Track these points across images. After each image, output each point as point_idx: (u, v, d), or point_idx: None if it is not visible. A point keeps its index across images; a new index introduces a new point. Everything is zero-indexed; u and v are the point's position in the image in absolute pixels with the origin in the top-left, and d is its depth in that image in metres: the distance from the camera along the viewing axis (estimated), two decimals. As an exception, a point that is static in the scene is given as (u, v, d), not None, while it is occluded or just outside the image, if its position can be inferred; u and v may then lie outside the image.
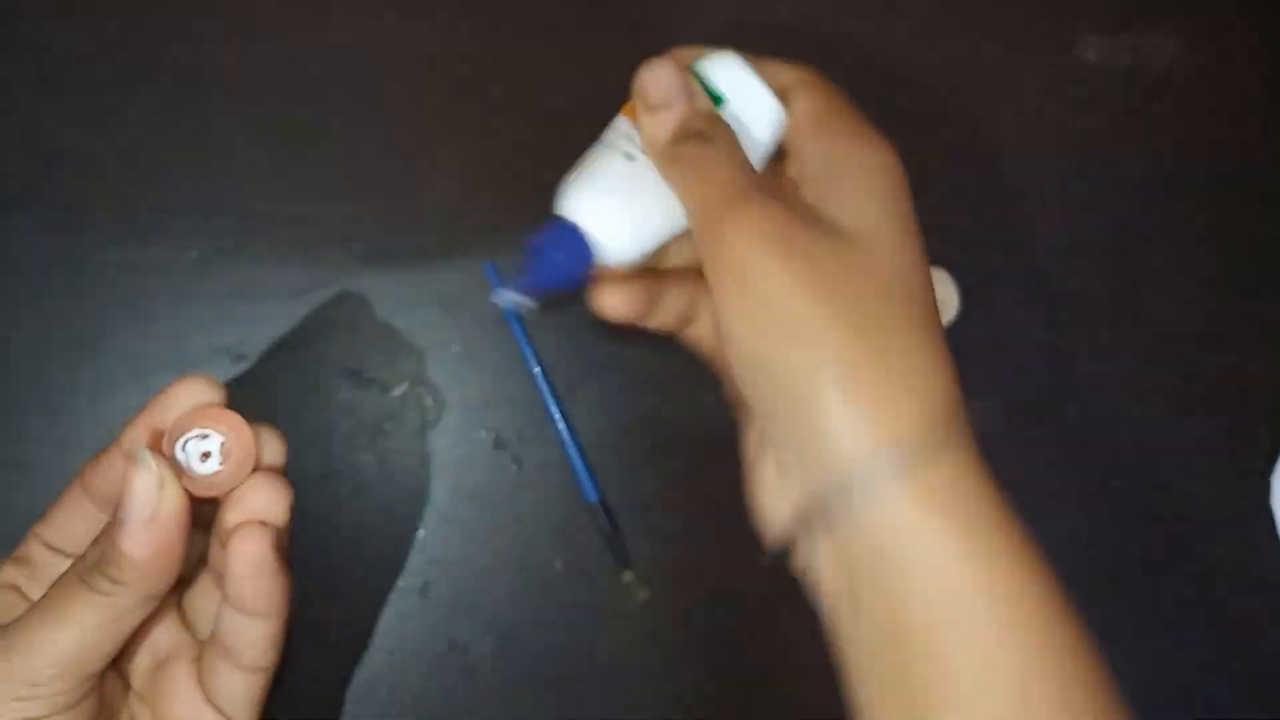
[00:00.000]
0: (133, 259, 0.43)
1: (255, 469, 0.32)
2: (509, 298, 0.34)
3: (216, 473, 0.31)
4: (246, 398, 0.42)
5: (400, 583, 0.43)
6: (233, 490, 0.32)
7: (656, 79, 0.33)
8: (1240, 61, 0.51)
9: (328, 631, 0.42)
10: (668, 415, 0.46)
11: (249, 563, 0.31)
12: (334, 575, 0.43)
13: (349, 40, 0.45)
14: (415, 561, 0.43)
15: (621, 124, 0.36)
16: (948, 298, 0.46)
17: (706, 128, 0.32)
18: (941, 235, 0.48)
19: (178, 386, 0.33)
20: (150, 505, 0.30)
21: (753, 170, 0.32)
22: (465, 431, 0.44)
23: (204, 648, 0.34)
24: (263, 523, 0.32)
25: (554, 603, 0.44)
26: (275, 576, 0.32)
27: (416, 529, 0.43)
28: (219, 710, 0.34)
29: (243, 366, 0.43)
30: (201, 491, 0.31)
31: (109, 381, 0.42)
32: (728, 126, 0.33)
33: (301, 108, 0.45)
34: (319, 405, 0.43)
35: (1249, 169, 0.51)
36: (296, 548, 0.42)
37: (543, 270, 0.34)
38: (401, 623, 0.43)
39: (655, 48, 0.47)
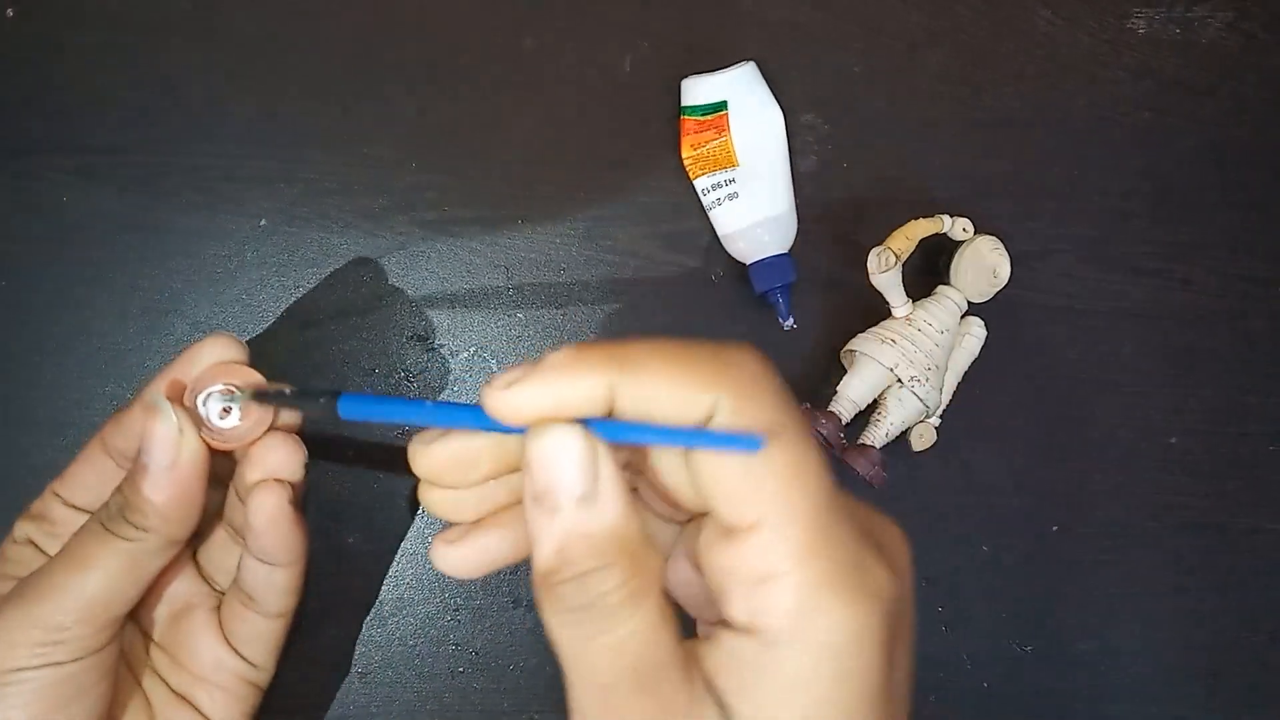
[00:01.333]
0: (206, 227, 0.44)
1: (272, 427, 0.34)
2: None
3: (235, 427, 0.33)
4: (315, 362, 0.44)
5: (466, 542, 0.44)
6: (250, 444, 0.33)
7: (547, 455, 0.23)
8: (1288, 32, 0.52)
9: (397, 590, 0.44)
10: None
11: (269, 517, 0.33)
12: (403, 536, 0.44)
13: (416, 13, 0.46)
14: (481, 521, 0.44)
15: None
16: (999, 265, 0.46)
17: (596, 575, 0.23)
18: (993, 203, 0.49)
19: (203, 344, 0.34)
20: (171, 452, 0.31)
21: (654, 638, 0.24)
22: (529, 395, 0.45)
23: (226, 596, 0.36)
24: (280, 480, 0.33)
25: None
26: (293, 528, 0.33)
27: (483, 490, 0.44)
28: (240, 655, 0.35)
29: (311, 332, 0.44)
30: (219, 444, 0.32)
31: (183, 345, 0.42)
32: (622, 579, 0.23)
33: (370, 80, 0.45)
34: (387, 370, 0.44)
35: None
36: (366, 506, 0.43)
37: None
38: (468, 581, 0.44)
39: (720, 12, 0.47)
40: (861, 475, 0.43)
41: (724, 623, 0.24)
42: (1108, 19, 0.50)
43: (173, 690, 0.35)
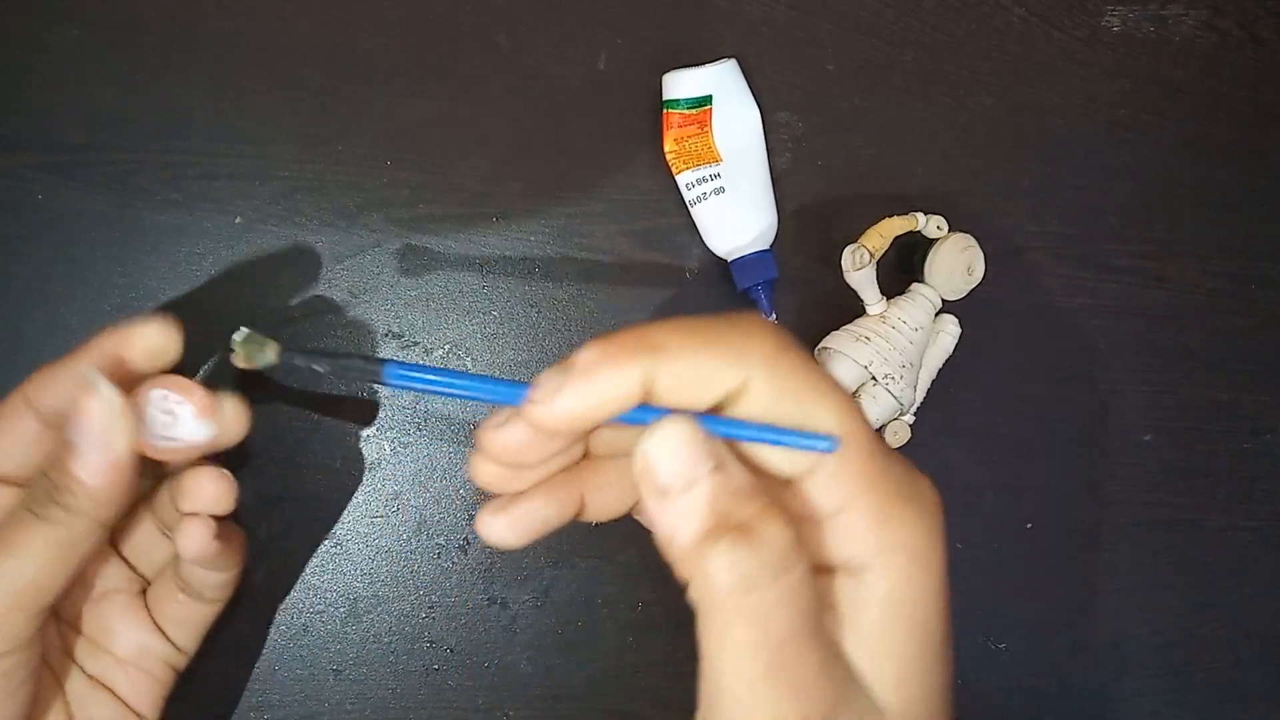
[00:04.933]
0: (180, 225, 0.44)
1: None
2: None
3: (173, 444, 0.32)
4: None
5: (441, 539, 0.44)
6: (183, 457, 0.33)
7: (667, 448, 0.24)
8: (1262, 29, 0.52)
9: (372, 587, 0.44)
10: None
11: (197, 551, 0.33)
12: (377, 532, 0.44)
13: (392, 11, 0.46)
14: (455, 519, 0.44)
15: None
16: (973, 262, 0.47)
17: (756, 522, 0.23)
18: (967, 200, 0.49)
19: (140, 325, 0.33)
20: (104, 432, 0.30)
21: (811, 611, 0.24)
22: (504, 392, 0.45)
23: (157, 581, 0.36)
24: (207, 515, 0.33)
25: (590, 558, 0.45)
26: (220, 555, 0.34)
27: (457, 487, 0.45)
28: (167, 638, 0.35)
29: (286, 330, 0.44)
30: (151, 453, 0.32)
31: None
32: (785, 522, 0.24)
33: (345, 78, 0.45)
34: (362, 367, 0.44)
35: (1272, 135, 0.51)
36: (343, 503, 0.44)
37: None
38: (442, 578, 0.44)
39: (695, 10, 0.47)
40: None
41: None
42: (1082, 16, 0.51)
43: (89, 676, 0.35)
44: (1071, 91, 0.50)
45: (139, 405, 0.31)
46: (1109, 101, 0.51)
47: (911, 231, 0.46)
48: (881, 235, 0.45)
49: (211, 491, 0.33)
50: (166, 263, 0.44)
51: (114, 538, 0.37)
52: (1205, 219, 0.51)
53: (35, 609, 0.30)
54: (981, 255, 0.47)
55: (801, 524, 0.25)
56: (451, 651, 0.44)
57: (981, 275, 0.47)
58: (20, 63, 0.43)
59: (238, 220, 0.44)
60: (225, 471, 0.34)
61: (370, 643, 0.43)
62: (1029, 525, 0.49)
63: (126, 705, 0.35)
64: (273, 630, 0.43)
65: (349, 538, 0.44)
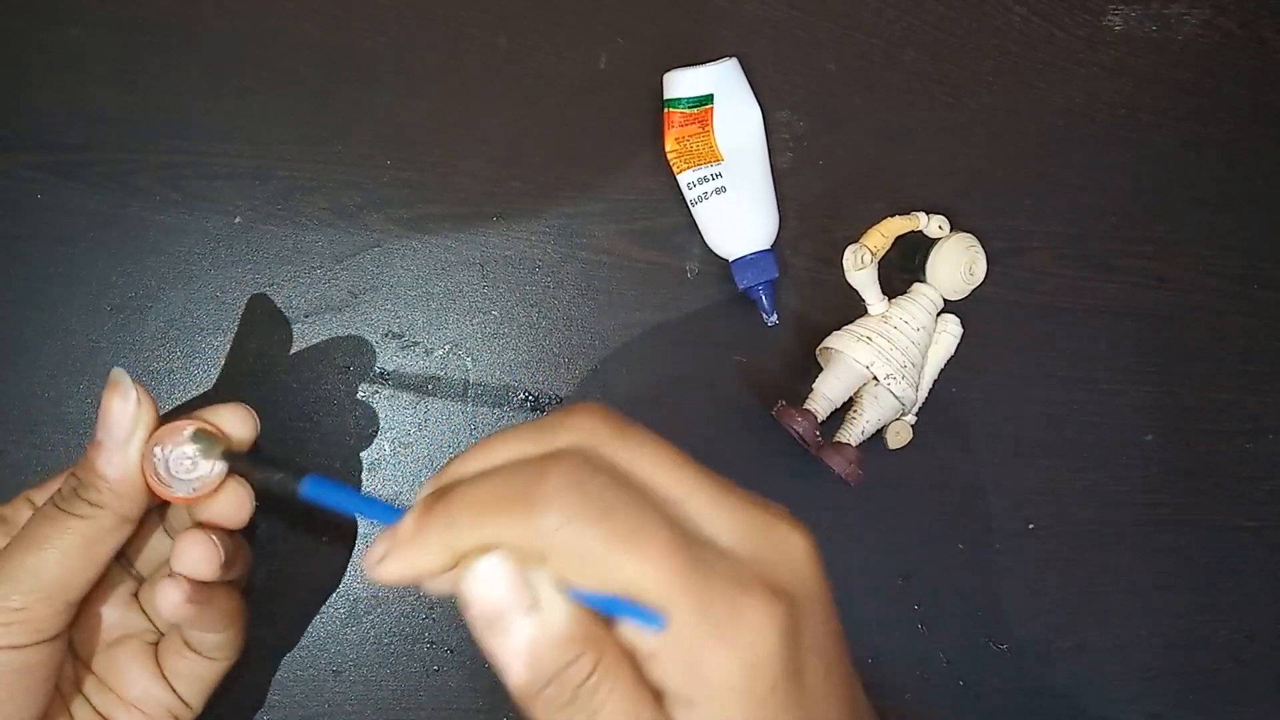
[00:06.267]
0: (179, 223, 0.44)
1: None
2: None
3: (187, 493, 0.33)
4: (290, 360, 0.44)
5: (442, 540, 0.44)
6: (196, 500, 0.34)
7: (480, 590, 0.25)
8: (1264, 29, 0.52)
9: (372, 587, 0.44)
10: (700, 374, 0.47)
11: (168, 611, 0.33)
12: (377, 532, 0.44)
13: (392, 10, 0.46)
14: (456, 519, 0.44)
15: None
16: (975, 262, 0.47)
17: (570, 671, 0.25)
18: (969, 200, 0.49)
19: (223, 407, 0.35)
20: (127, 427, 0.32)
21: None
22: (504, 393, 0.45)
23: (167, 634, 0.36)
24: (185, 576, 0.33)
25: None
26: (201, 617, 0.34)
27: (458, 487, 0.44)
28: (173, 690, 0.36)
29: (287, 330, 0.44)
30: (164, 494, 0.33)
31: (157, 343, 0.43)
32: (592, 663, 0.25)
33: (345, 77, 0.45)
34: (362, 368, 0.44)
35: (1273, 135, 0.51)
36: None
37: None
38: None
39: (696, 9, 0.47)
40: (837, 473, 0.43)
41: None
42: (1084, 16, 0.51)
43: (96, 710, 0.35)
44: (1073, 91, 0.50)
45: (168, 445, 0.33)
46: (1110, 101, 0.51)
47: (913, 231, 0.46)
48: (883, 235, 0.45)
49: (197, 556, 0.33)
50: (166, 262, 0.43)
51: (136, 588, 0.37)
52: (1206, 219, 0.51)
53: (59, 603, 0.31)
54: (983, 255, 0.47)
55: (633, 653, 0.25)
56: (452, 653, 0.44)
57: (983, 275, 0.47)
58: (20, 63, 0.43)
59: (237, 220, 0.44)
60: (215, 541, 0.34)
61: (370, 644, 0.43)
62: (1030, 525, 0.49)
63: None
64: (272, 631, 0.43)
65: (349, 538, 0.43)
